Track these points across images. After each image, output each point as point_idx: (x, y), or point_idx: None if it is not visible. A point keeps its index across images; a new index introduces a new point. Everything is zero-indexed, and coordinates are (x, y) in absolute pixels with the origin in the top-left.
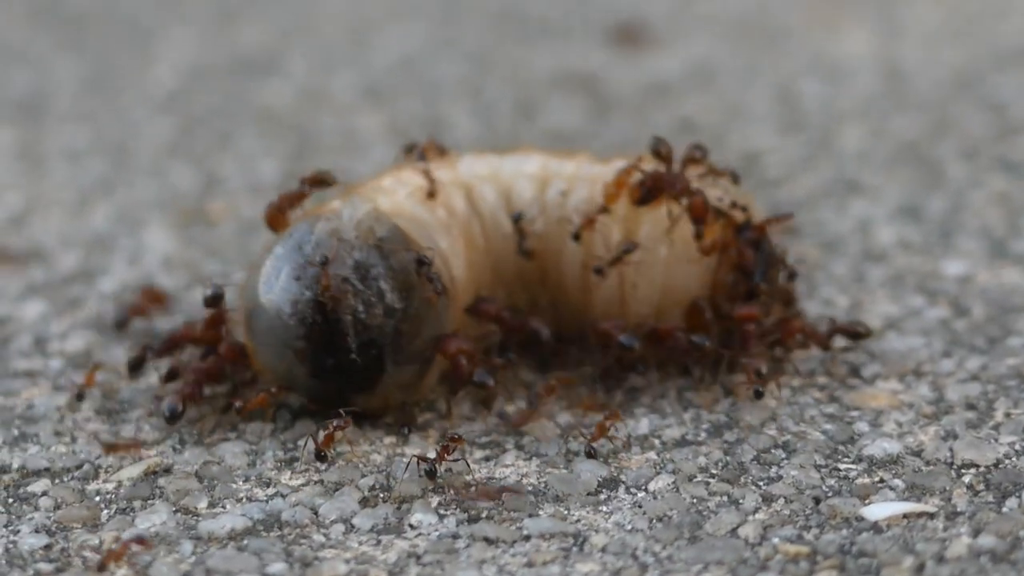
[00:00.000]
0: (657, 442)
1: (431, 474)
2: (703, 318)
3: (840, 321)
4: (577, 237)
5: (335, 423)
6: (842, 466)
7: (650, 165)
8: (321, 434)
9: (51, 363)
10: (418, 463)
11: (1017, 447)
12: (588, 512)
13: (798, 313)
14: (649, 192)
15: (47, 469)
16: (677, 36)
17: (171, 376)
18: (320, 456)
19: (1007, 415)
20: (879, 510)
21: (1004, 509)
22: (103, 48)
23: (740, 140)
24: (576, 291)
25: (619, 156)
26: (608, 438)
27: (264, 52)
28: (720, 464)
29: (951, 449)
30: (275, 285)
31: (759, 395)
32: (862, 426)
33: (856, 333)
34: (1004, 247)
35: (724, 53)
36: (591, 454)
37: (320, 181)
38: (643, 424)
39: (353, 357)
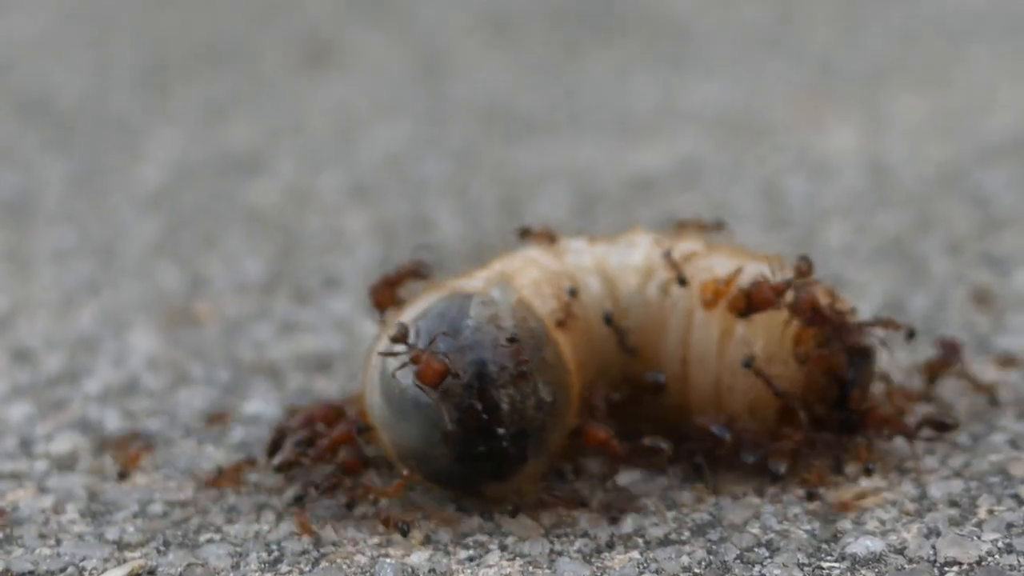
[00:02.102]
0: (640, 541)
1: None
2: (796, 420)
3: (927, 412)
4: (683, 282)
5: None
6: (825, 564)
7: (753, 267)
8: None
9: (36, 465)
10: None
11: (1000, 544)
12: None
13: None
14: (750, 308)
15: (31, 572)
16: (662, 132)
17: (289, 465)
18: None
19: (990, 512)
20: None
21: None
22: (90, 147)
23: (725, 236)
24: (676, 384)
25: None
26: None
27: (251, 151)
28: (704, 563)
29: (934, 547)
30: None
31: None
32: (845, 524)
33: (944, 425)
34: (987, 343)
35: (709, 149)
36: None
37: (417, 272)
38: (627, 523)
39: (505, 445)
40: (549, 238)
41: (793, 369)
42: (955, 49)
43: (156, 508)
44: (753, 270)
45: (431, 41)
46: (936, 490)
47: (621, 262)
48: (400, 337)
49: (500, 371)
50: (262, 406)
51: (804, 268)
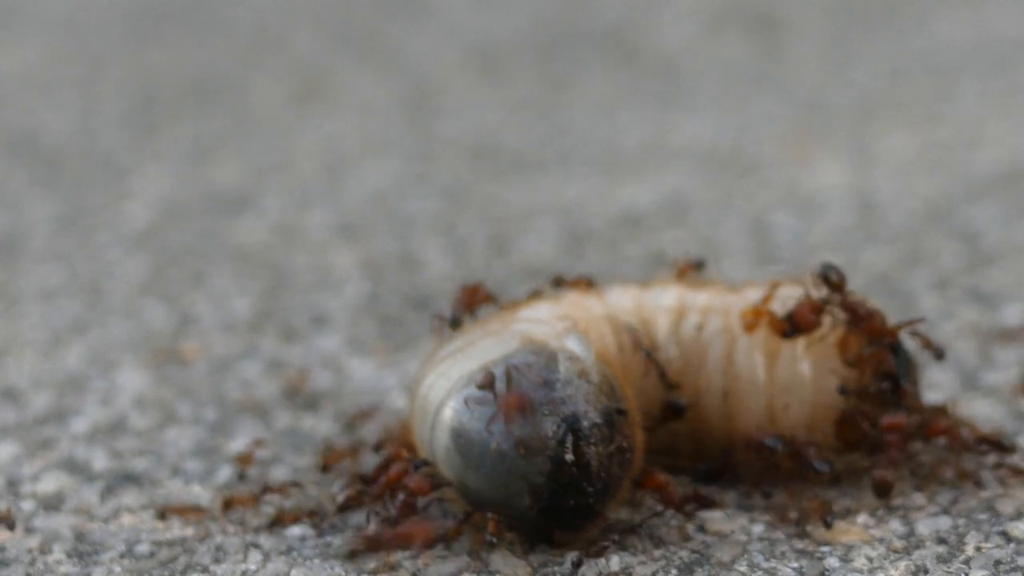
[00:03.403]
0: None
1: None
2: (859, 428)
3: (984, 430)
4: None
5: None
6: None
7: (786, 290)
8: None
9: (23, 505)
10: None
11: None
12: None
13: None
14: (796, 330)
15: None
16: (650, 168)
17: (348, 506)
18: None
19: (978, 549)
20: None
21: None
22: (78, 185)
23: (714, 273)
24: (719, 420)
25: (750, 284)
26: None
27: (238, 189)
28: None
29: None
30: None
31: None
32: (832, 561)
33: (1002, 446)
34: (975, 379)
35: (697, 186)
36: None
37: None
38: (614, 562)
39: (591, 502)
40: (587, 284)
41: (844, 378)
42: (943, 85)
43: (143, 548)
44: (787, 290)
45: (419, 78)
46: (924, 527)
47: (655, 303)
48: (487, 384)
49: (592, 427)
50: (249, 445)
51: (837, 280)
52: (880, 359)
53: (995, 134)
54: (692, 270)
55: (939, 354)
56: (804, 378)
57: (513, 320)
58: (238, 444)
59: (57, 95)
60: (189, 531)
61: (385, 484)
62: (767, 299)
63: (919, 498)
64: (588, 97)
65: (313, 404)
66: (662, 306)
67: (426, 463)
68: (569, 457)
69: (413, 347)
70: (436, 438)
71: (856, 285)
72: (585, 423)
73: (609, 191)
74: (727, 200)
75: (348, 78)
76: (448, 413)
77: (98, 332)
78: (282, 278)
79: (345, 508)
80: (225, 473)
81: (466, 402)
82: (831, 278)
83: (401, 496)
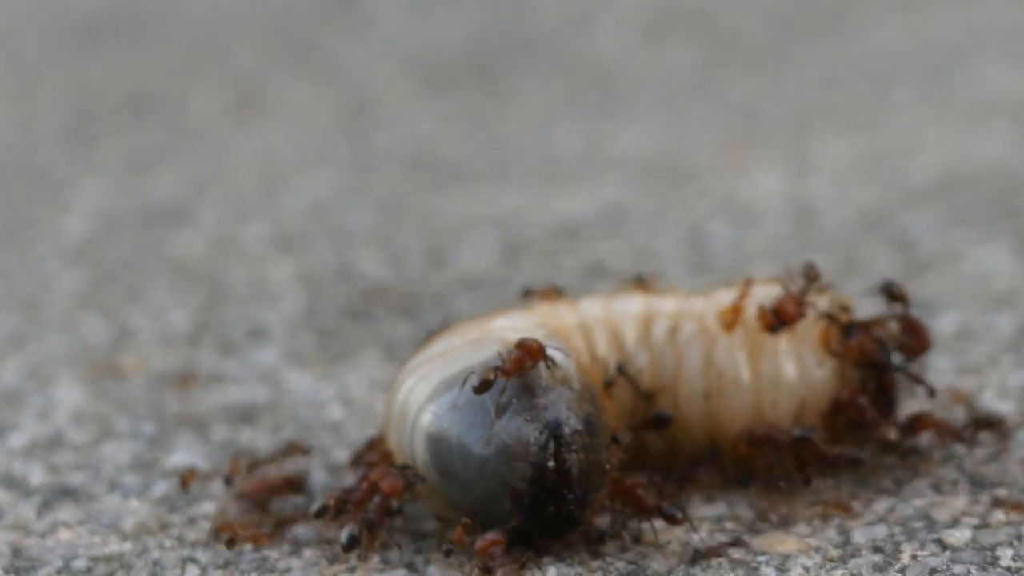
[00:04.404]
0: None
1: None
2: (847, 419)
3: (977, 412)
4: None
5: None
6: None
7: (762, 290)
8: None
9: None
10: None
11: None
12: None
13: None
14: (781, 323)
15: None
16: (587, 178)
17: (324, 512)
18: None
19: (913, 557)
20: None
21: None
22: (15, 199)
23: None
24: (700, 421)
25: (717, 288)
26: None
27: (176, 202)
28: None
29: None
30: (496, 423)
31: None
32: (768, 571)
33: (991, 423)
34: (911, 387)
35: (634, 195)
36: None
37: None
38: (551, 573)
39: (571, 509)
40: (556, 294)
41: (829, 370)
42: (879, 93)
43: (80, 564)
44: (762, 289)
45: (357, 89)
46: (860, 535)
47: (624, 312)
48: (486, 388)
49: (573, 434)
50: (187, 459)
51: (813, 274)
52: (865, 348)
53: (930, 142)
54: (643, 283)
55: (931, 392)
56: (790, 372)
57: (490, 328)
58: (176, 458)
59: None
60: (127, 546)
61: (366, 489)
62: (743, 297)
63: (855, 506)
64: (526, 107)
65: (250, 418)
66: (630, 313)
67: (407, 467)
68: (551, 463)
69: (351, 359)
70: (415, 443)
71: None
72: (567, 429)
73: (546, 201)
74: (664, 209)
75: (285, 89)
76: (428, 418)
77: (35, 346)
78: (219, 291)
79: (320, 515)
80: (162, 488)
81: (446, 407)
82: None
83: (377, 498)
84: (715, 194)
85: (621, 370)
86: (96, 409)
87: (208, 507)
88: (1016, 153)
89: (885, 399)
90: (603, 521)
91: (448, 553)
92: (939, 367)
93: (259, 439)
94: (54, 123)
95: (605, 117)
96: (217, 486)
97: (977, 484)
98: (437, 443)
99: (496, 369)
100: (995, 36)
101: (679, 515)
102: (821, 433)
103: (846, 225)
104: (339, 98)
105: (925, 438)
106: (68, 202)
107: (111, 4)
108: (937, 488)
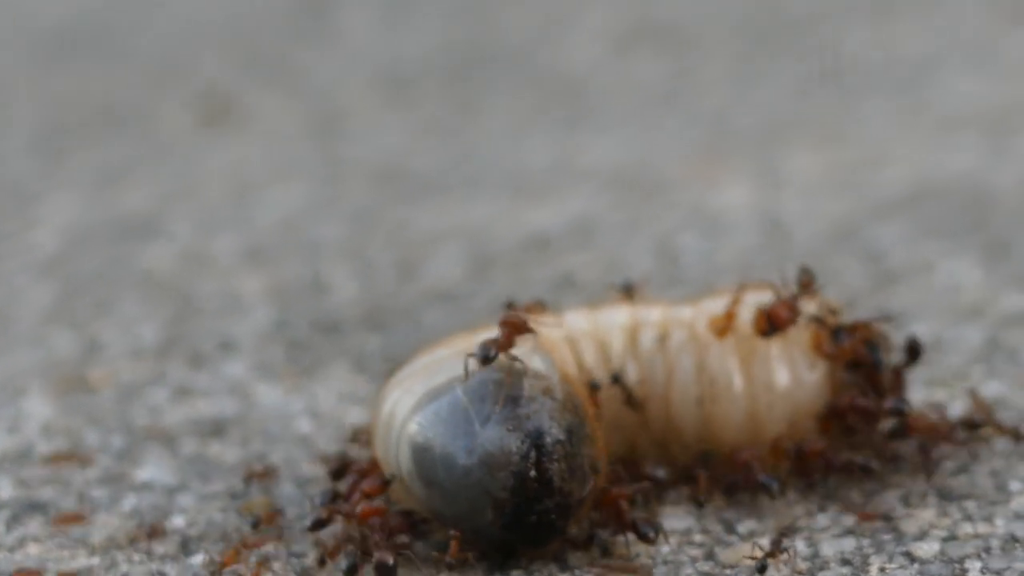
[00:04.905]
0: None
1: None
2: (842, 421)
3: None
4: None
5: None
6: None
7: (754, 296)
8: None
9: None
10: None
11: None
12: None
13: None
14: (774, 327)
15: None
16: (557, 190)
17: (320, 524)
18: None
19: (881, 570)
20: None
21: None
22: None
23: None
24: (694, 427)
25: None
26: None
27: (146, 214)
28: None
29: None
30: (479, 432)
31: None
32: None
33: (975, 424)
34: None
35: (604, 207)
36: None
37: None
38: None
39: (553, 518)
40: (540, 307)
41: (821, 374)
42: (849, 105)
43: None
44: (753, 295)
45: (326, 101)
46: (828, 548)
47: (610, 323)
48: (488, 361)
49: (555, 443)
50: (156, 472)
51: (807, 280)
52: (856, 350)
53: (900, 153)
54: (631, 292)
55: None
56: (783, 376)
57: (474, 341)
58: (147, 472)
59: None
60: (95, 560)
61: (359, 499)
62: (735, 303)
63: (823, 519)
64: (495, 120)
65: (219, 431)
66: (617, 324)
67: (394, 477)
68: (532, 473)
69: (321, 372)
70: (400, 453)
71: None
72: (548, 439)
73: (516, 214)
74: (634, 222)
75: (255, 102)
76: (413, 428)
77: (4, 359)
78: (189, 304)
79: (317, 527)
80: (131, 502)
81: (431, 417)
82: (804, 282)
83: (361, 504)
84: (685, 206)
85: (616, 379)
86: (65, 422)
87: (178, 521)
88: (985, 165)
89: (877, 399)
90: (575, 530)
91: (450, 567)
92: (909, 379)
93: (227, 453)
94: (23, 136)
95: (575, 129)
96: (186, 499)
97: (945, 496)
98: (422, 453)
99: (493, 341)
100: (965, 48)
101: (652, 535)
102: (820, 439)
103: (816, 237)
104: (309, 111)
105: (914, 441)
106: (37, 215)
107: (80, 17)
108: (906, 501)
